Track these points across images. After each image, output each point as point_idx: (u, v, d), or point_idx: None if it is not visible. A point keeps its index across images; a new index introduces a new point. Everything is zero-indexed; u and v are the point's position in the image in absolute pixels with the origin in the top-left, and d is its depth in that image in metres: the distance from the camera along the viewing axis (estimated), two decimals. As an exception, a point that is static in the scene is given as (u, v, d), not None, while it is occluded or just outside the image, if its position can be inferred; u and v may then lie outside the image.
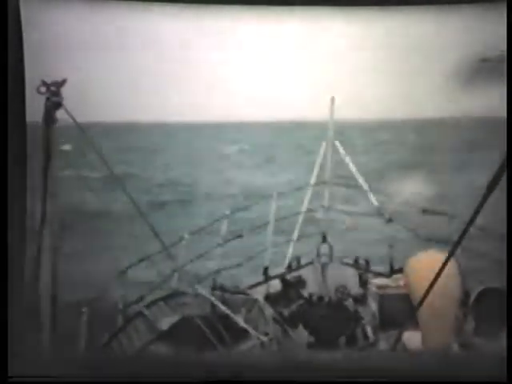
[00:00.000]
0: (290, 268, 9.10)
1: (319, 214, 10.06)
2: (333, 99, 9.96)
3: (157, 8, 2.85)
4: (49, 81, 3.88)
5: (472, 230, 2.85)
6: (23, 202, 2.61)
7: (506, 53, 2.59)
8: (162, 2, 2.92)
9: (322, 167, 9.93)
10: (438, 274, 2.95)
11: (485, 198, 2.53)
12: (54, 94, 3.89)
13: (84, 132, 4.46)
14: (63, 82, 3.93)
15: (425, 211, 9.06)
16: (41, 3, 2.83)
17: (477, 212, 2.56)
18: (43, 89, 3.86)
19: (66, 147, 4.62)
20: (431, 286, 3.00)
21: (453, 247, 2.94)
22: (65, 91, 3.99)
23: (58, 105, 3.96)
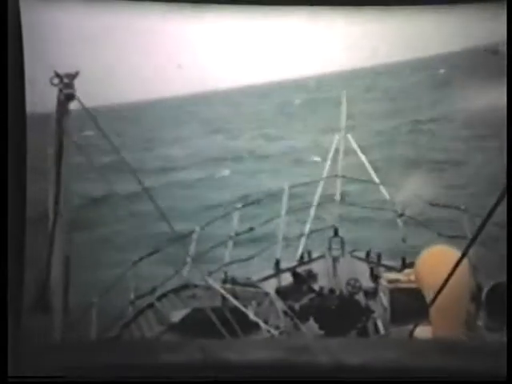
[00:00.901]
0: (301, 261, 9.10)
1: (331, 207, 10.05)
2: (344, 93, 9.93)
3: (158, 6, 2.84)
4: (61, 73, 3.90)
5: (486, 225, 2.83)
6: (23, 199, 2.61)
7: (505, 52, 2.57)
8: (162, 2, 2.92)
9: (334, 160, 9.91)
10: (453, 271, 2.93)
11: (502, 195, 2.49)
12: (66, 85, 3.90)
13: (97, 122, 4.47)
14: (76, 73, 3.95)
15: (435, 205, 9.02)
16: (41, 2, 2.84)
17: (494, 208, 2.53)
18: (56, 80, 3.87)
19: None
20: (445, 282, 2.97)
21: (468, 244, 2.91)
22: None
23: (72, 96, 3.98)
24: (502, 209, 2.51)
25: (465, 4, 2.76)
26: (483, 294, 5.16)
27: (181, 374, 1.99)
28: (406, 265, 8.18)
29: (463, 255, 2.95)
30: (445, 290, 3.15)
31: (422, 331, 3.79)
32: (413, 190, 9.44)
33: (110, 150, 4.60)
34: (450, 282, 3.07)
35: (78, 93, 4.01)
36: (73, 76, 3.92)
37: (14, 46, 2.50)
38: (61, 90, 3.90)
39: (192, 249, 8.04)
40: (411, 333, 3.47)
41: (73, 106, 4.04)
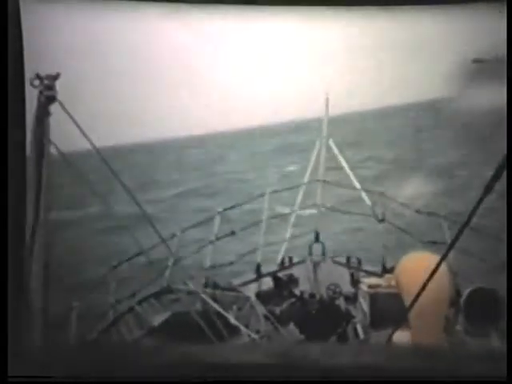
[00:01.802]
0: (282, 266, 9.11)
1: (312, 213, 10.08)
2: (327, 99, 9.97)
3: (158, 9, 2.84)
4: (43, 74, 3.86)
5: (465, 230, 2.85)
6: (23, 199, 2.60)
7: (504, 54, 2.60)
8: (163, 1, 2.92)
9: (315, 165, 9.94)
10: (431, 276, 2.96)
11: (480, 200, 2.53)
12: (47, 87, 3.86)
13: (80, 127, 4.44)
14: (57, 75, 3.91)
15: (418, 212, 9.08)
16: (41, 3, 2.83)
17: (472, 213, 2.56)
18: (37, 82, 3.84)
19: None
20: (423, 287, 3.00)
21: (447, 249, 2.94)
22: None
23: (52, 99, 3.94)
24: (479, 215, 2.53)
25: (465, 4, 2.78)
26: (462, 300, 5.20)
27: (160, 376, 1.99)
28: (386, 270, 8.22)
29: (441, 260, 2.98)
30: (424, 295, 3.17)
31: (401, 336, 3.81)
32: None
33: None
34: (430, 287, 3.09)
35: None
36: (54, 77, 3.89)
37: (14, 46, 2.50)
38: (41, 92, 3.86)
39: (173, 253, 8.02)
40: (390, 337, 3.48)
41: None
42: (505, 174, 2.45)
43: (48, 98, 3.93)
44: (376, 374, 2.04)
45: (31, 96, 3.88)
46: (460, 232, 2.70)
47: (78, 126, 4.38)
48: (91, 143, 4.58)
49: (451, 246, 2.84)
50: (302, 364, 2.09)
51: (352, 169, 9.91)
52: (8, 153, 2.47)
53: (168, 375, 2.04)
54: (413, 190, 12.31)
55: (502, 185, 2.52)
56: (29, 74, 2.55)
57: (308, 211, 10.20)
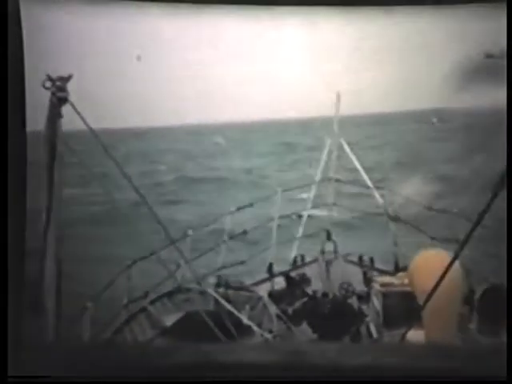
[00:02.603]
0: (294, 265, 9.10)
1: (324, 211, 10.07)
2: (338, 95, 9.93)
3: (159, 9, 2.85)
4: (54, 76, 3.88)
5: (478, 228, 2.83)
6: (23, 200, 2.61)
7: (506, 52, 2.58)
8: (163, 2, 2.92)
9: (326, 164, 9.92)
10: (444, 274, 2.94)
11: (492, 198, 2.51)
12: (59, 89, 3.88)
13: (91, 128, 4.46)
14: (69, 77, 3.92)
15: (430, 209, 9.05)
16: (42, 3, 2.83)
17: (484, 212, 2.55)
18: (48, 83, 3.85)
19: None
20: (437, 285, 2.98)
21: (459, 246, 2.92)
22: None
23: (64, 100, 3.95)
24: (492, 212, 2.52)
25: (465, 4, 2.77)
26: (476, 298, 5.17)
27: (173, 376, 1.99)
28: (399, 268, 8.19)
29: (455, 257, 2.96)
30: (438, 293, 3.15)
31: (415, 335, 3.79)
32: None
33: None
34: (443, 285, 3.07)
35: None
36: (66, 79, 3.90)
37: (14, 46, 2.51)
38: (53, 94, 3.87)
39: (185, 252, 8.03)
40: (403, 336, 3.47)
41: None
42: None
43: (60, 99, 3.94)
44: (389, 374, 2.04)
45: (36, 97, 3.90)
46: (472, 230, 2.69)
47: (89, 127, 4.39)
48: (102, 145, 4.59)
49: (464, 244, 2.82)
50: (315, 363, 2.09)
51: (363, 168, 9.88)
52: (8, 153, 2.48)
53: (180, 375, 2.04)
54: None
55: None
56: (29, 73, 2.56)
57: (320, 210, 10.19)
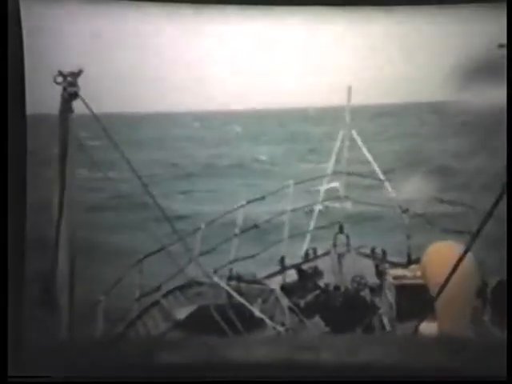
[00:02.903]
0: (306, 258, 9.09)
1: (336, 204, 10.05)
2: (350, 88, 9.89)
3: (158, 9, 2.84)
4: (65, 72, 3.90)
5: (490, 219, 2.82)
6: (23, 196, 2.62)
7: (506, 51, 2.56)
8: (163, 1, 2.91)
9: (338, 156, 9.90)
10: (457, 265, 2.92)
11: (503, 190, 2.49)
12: (70, 84, 3.90)
13: (100, 122, 4.47)
14: (80, 72, 3.94)
15: (442, 201, 9.01)
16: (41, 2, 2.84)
17: (496, 203, 2.52)
18: (60, 79, 3.87)
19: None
20: (450, 276, 2.97)
21: (471, 239, 2.91)
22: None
23: (75, 95, 3.97)
24: (502, 203, 2.50)
25: (465, 4, 2.76)
26: (489, 290, 5.16)
27: (186, 373, 1.99)
28: (411, 261, 8.16)
29: (467, 249, 2.94)
30: (451, 285, 3.14)
31: (428, 327, 3.77)
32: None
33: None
34: (457, 277, 3.06)
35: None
36: (76, 74, 3.92)
37: (14, 45, 2.51)
38: (65, 89, 3.90)
39: (197, 246, 8.04)
40: (416, 329, 3.46)
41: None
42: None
43: (71, 94, 3.96)
44: (389, 373, 2.03)
45: (36, 97, 3.91)
46: (484, 223, 2.67)
47: (100, 122, 4.41)
48: (112, 141, 4.61)
49: (476, 236, 2.81)
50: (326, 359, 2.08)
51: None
52: (8, 153, 2.48)
53: (187, 374, 2.04)
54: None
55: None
56: (29, 73, 2.56)
57: (332, 202, 10.18)
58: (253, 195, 9.61)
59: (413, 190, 9.55)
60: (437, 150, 32.14)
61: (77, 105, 4.04)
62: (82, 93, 4.00)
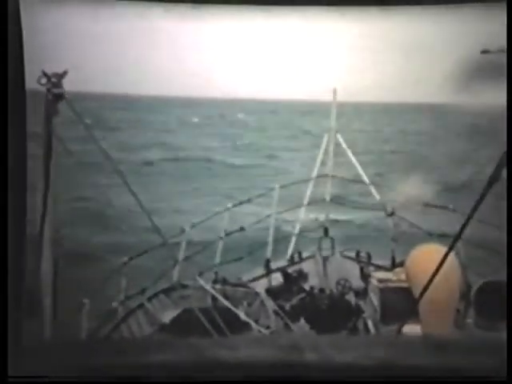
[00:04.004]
0: (291, 261, 9.09)
1: (321, 207, 10.06)
2: (335, 90, 9.91)
3: (157, 8, 2.84)
4: (49, 72, 3.87)
5: (473, 222, 2.84)
6: (23, 196, 2.61)
7: (505, 50, 2.59)
8: (162, 1, 2.91)
9: (323, 160, 9.92)
10: (439, 267, 2.95)
11: (485, 191, 2.51)
12: (55, 85, 3.87)
13: (86, 126, 4.46)
14: (64, 73, 3.91)
15: (426, 205, 9.05)
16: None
17: (477, 205, 2.55)
18: (44, 80, 3.85)
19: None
20: (432, 278, 2.99)
21: (453, 240, 2.93)
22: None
23: (60, 96, 3.95)
24: (487, 207, 2.53)
25: (465, 4, 2.77)
26: (472, 293, 5.18)
27: (172, 374, 1.99)
28: (395, 264, 8.19)
29: (449, 251, 2.97)
30: (435, 288, 3.16)
31: (411, 329, 3.79)
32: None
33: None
34: (440, 280, 3.08)
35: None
36: (61, 75, 3.90)
37: (14, 45, 2.50)
38: (48, 90, 3.87)
39: (182, 249, 8.03)
40: (399, 330, 3.47)
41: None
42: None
43: (56, 95, 3.93)
44: (385, 373, 2.03)
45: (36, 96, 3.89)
46: (465, 225, 2.70)
47: (86, 126, 4.40)
48: (99, 147, 4.60)
49: (457, 238, 2.83)
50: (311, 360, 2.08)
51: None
52: (8, 153, 2.48)
53: (176, 371, 2.04)
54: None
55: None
56: (29, 73, 2.55)
57: (317, 205, 10.19)
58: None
59: (399, 193, 9.59)
60: (427, 155, 32.34)
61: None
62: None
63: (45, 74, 3.84)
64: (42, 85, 3.84)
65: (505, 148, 2.45)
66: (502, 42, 2.60)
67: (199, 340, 2.18)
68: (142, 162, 33.41)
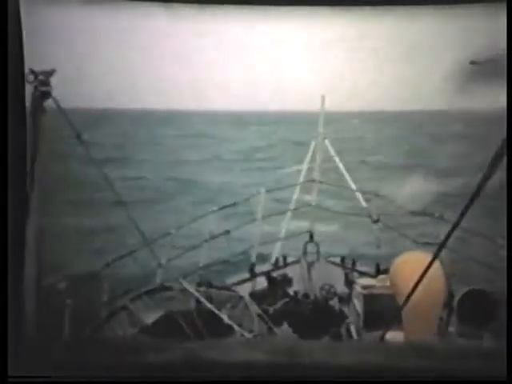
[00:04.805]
0: (276, 265, 9.10)
1: (307, 212, 10.08)
2: (323, 97, 9.95)
3: (156, 7, 2.83)
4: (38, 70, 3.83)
5: (458, 232, 2.85)
6: (23, 196, 2.60)
7: (505, 53, 2.60)
8: (161, 1, 2.91)
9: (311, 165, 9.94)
10: (423, 275, 2.95)
11: (471, 200, 2.52)
12: (42, 83, 3.82)
13: (72, 124, 4.43)
14: (52, 71, 3.87)
15: (412, 212, 9.09)
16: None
17: (462, 214, 2.56)
18: (31, 77, 3.80)
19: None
20: (416, 285, 3.00)
21: (438, 249, 2.94)
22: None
23: (47, 94, 3.90)
24: (472, 215, 2.53)
25: (465, 4, 2.78)
26: (455, 301, 5.21)
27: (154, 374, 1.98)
28: (380, 271, 8.21)
29: (434, 259, 2.97)
30: (418, 296, 3.16)
31: (394, 336, 3.80)
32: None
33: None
34: (424, 288, 3.09)
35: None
36: (48, 73, 3.86)
37: (14, 45, 2.49)
38: (36, 88, 3.82)
39: (167, 251, 8.00)
40: (382, 337, 3.48)
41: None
42: (496, 175, 2.45)
43: (43, 93, 3.89)
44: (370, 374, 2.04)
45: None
46: (450, 232, 2.70)
47: (72, 125, 4.37)
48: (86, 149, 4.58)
49: (442, 246, 2.84)
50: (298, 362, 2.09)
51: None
52: (8, 153, 2.46)
53: (163, 373, 2.03)
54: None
55: (493, 187, 2.52)
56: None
57: (302, 210, 10.20)
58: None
59: (385, 200, 9.61)
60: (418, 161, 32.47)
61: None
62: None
63: (32, 72, 3.80)
64: (29, 82, 3.80)
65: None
66: (502, 42, 2.61)
67: (182, 342, 2.17)
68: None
